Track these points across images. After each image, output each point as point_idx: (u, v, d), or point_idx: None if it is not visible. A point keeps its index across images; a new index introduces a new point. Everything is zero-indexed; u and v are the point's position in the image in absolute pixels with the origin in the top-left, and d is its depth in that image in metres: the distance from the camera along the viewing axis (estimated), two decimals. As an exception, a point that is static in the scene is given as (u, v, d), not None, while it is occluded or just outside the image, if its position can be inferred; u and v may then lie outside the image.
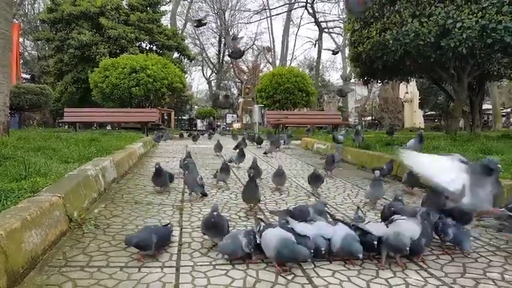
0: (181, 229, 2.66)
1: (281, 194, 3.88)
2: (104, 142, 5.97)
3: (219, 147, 6.82)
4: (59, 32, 20.98)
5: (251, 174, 3.23)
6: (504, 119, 25.82)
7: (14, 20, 17.44)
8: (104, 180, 3.74)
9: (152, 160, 6.33)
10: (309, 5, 29.40)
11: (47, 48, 26.78)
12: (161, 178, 3.64)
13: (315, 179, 3.79)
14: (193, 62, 32.58)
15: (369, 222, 2.36)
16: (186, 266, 2.01)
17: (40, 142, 5.30)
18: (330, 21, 33.40)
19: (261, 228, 2.10)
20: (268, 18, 35.40)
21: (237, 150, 5.93)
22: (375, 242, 2.02)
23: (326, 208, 2.60)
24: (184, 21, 36.19)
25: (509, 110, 27.46)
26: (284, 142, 8.52)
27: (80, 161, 3.92)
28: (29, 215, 2.00)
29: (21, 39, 25.19)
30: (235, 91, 42.54)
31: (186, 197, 3.66)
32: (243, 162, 5.47)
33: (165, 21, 27.63)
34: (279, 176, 3.96)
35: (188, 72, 37.08)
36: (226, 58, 38.13)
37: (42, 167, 3.21)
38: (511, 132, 13.23)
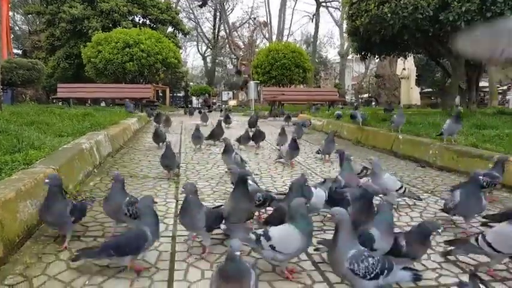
0: (177, 201, 2.68)
1: (276, 169, 3.91)
2: (98, 117, 5.91)
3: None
4: (50, 6, 20.37)
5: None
6: (500, 96, 25.77)
7: (3, -8, 16.88)
8: (99, 154, 3.72)
9: (148, 136, 6.30)
10: (306, -22, 28.63)
11: (38, 22, 26.11)
12: None
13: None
14: (188, 37, 31.86)
15: None
16: (182, 236, 2.04)
17: (33, 117, 5.24)
18: (327, -6, 32.59)
19: None
20: (265, -8, 34.57)
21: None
22: None
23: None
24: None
25: (505, 87, 27.39)
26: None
27: (74, 135, 3.90)
28: (24, 186, 2.00)
29: (11, 13, 24.55)
30: (230, 67, 41.95)
31: (181, 170, 3.66)
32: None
33: (159, -6, 26.84)
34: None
35: (183, 47, 36.48)
36: (222, 33, 37.47)
37: (36, 140, 3.18)
38: (507, 109, 13.27)
